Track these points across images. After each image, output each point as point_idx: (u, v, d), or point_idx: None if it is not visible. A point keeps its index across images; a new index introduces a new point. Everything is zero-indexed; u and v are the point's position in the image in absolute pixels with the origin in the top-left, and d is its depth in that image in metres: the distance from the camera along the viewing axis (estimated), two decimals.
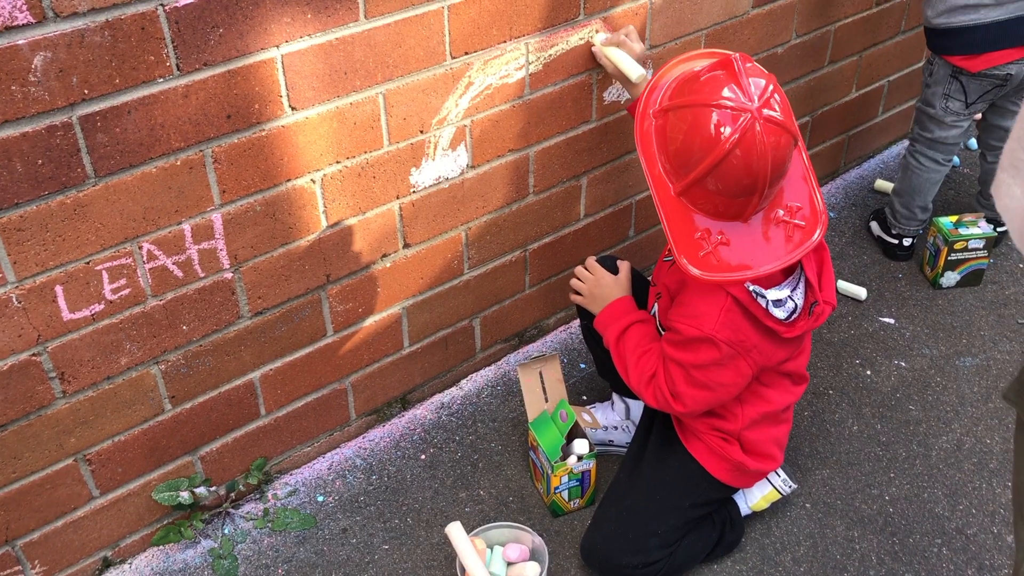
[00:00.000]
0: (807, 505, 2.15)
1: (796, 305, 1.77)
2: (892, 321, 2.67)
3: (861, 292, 2.74)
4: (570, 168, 2.35)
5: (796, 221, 1.66)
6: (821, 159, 3.14)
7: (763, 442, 1.93)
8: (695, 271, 1.65)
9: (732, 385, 1.80)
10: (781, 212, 1.66)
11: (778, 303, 1.74)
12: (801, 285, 1.79)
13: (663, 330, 1.91)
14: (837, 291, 2.76)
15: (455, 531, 1.87)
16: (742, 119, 1.52)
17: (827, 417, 2.37)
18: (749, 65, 1.59)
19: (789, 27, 2.65)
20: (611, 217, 2.54)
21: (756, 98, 1.54)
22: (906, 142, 3.45)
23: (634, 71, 2.03)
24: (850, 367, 2.52)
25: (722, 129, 1.53)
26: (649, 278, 2.16)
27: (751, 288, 1.71)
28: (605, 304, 2.00)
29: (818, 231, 1.66)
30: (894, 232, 2.89)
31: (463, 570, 1.88)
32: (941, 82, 2.65)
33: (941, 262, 2.73)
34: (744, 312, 1.73)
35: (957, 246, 2.69)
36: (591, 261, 2.07)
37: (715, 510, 2.02)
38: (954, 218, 2.75)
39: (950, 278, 2.76)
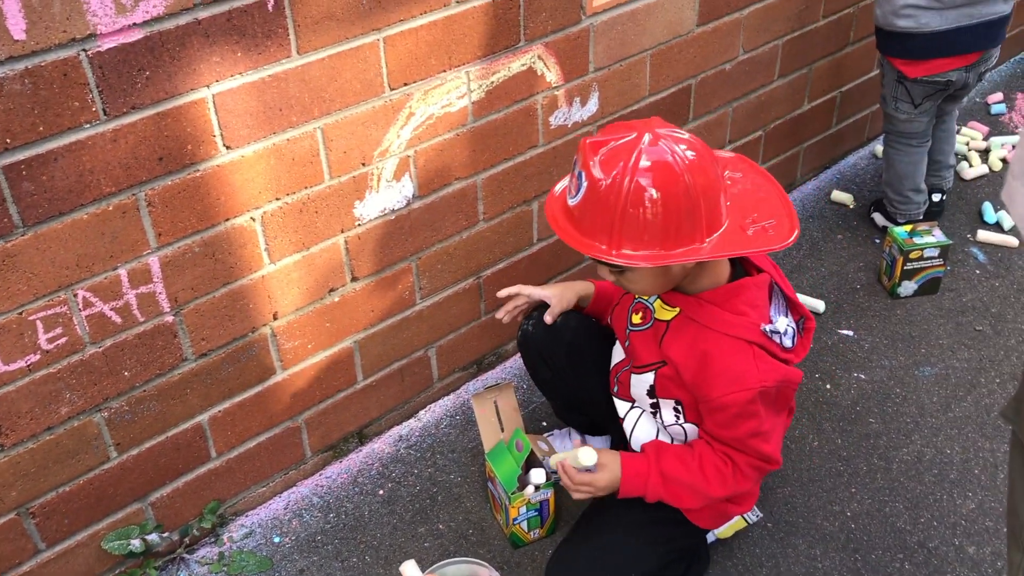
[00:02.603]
0: (768, 525, 2.14)
1: (794, 329, 1.75)
2: (851, 333, 2.67)
3: (819, 305, 2.74)
4: (520, 193, 2.34)
5: (766, 223, 1.63)
6: (775, 172, 3.14)
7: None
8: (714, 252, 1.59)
9: (783, 415, 1.80)
10: (749, 221, 1.63)
11: (785, 334, 1.72)
12: (786, 307, 1.77)
13: (652, 397, 1.85)
14: None
15: (409, 569, 1.84)
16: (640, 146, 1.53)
17: (788, 434, 2.35)
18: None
19: (736, 44, 2.65)
20: None
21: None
22: (862, 151, 3.47)
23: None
24: (809, 381, 2.51)
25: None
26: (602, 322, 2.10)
27: (766, 329, 1.68)
28: (615, 486, 1.82)
29: (795, 231, 1.63)
30: (902, 221, 2.94)
31: None
32: (889, 85, 2.77)
33: (898, 272, 2.73)
34: (768, 353, 1.70)
35: (912, 255, 2.69)
36: (572, 476, 1.83)
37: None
38: (908, 227, 2.75)
39: (908, 287, 2.76)
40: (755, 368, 1.67)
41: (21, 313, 1.64)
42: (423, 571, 1.88)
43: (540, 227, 2.44)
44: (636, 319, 1.87)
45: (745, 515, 1.98)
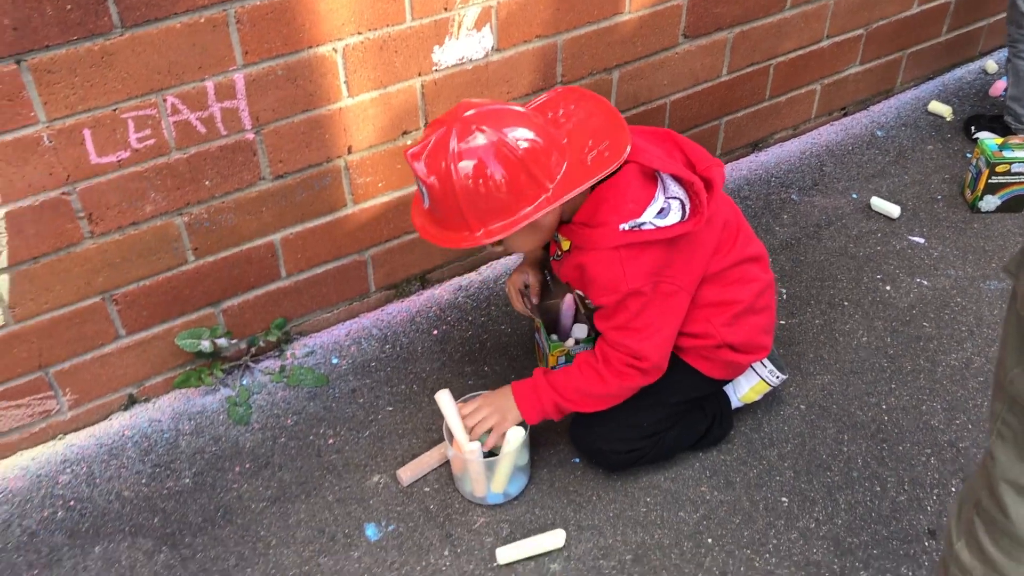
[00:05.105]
0: (801, 406, 2.18)
1: (680, 199, 1.76)
2: (922, 240, 2.64)
3: (895, 210, 2.71)
4: (601, 60, 2.36)
5: (601, 147, 1.71)
6: (873, 76, 3.06)
7: (750, 336, 1.96)
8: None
9: (672, 312, 1.84)
10: (587, 150, 1.71)
11: (661, 213, 1.74)
12: (669, 182, 1.78)
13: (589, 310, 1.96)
14: (870, 207, 2.73)
15: (443, 398, 1.96)
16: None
17: (837, 327, 2.38)
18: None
19: None
20: (643, 115, 2.55)
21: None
22: (971, 65, 3.34)
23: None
24: (870, 281, 2.51)
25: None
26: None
27: (625, 227, 1.73)
28: (515, 408, 1.94)
29: (626, 144, 1.69)
30: None
31: (450, 435, 1.97)
32: None
33: (982, 185, 2.66)
34: (640, 246, 1.74)
35: (999, 169, 2.62)
36: (462, 413, 1.96)
37: (707, 403, 2.06)
38: (1000, 140, 2.67)
39: (990, 202, 2.70)
40: (622, 273, 1.76)
41: (115, 110, 1.79)
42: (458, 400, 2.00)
43: (619, 98, 2.46)
44: (553, 253, 1.98)
45: (764, 376, 2.04)
